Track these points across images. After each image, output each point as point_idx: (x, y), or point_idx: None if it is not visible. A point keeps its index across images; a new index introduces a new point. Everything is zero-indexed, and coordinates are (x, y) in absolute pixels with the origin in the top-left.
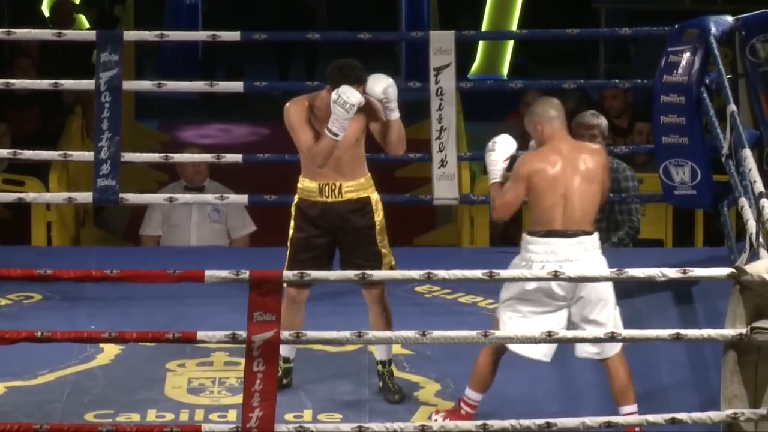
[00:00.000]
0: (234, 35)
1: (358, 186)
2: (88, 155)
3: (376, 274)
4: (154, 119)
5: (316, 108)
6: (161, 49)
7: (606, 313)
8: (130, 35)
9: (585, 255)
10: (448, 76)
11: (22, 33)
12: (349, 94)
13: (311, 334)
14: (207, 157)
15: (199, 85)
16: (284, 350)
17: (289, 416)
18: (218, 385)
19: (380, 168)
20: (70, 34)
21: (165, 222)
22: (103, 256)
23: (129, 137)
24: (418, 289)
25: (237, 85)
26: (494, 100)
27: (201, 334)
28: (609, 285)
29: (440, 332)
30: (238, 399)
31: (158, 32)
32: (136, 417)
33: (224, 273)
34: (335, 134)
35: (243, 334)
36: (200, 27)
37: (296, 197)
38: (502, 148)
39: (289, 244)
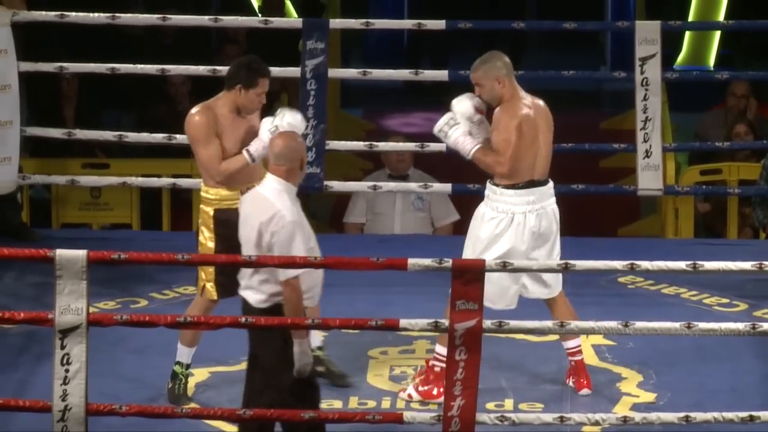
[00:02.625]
0: (439, 24)
1: None
2: None
3: (579, 264)
4: (358, 107)
5: (220, 116)
6: (367, 37)
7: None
8: (336, 23)
9: (551, 200)
10: (653, 66)
11: (229, 20)
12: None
13: (513, 323)
14: (411, 145)
15: (404, 74)
16: (184, 356)
17: (490, 405)
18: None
19: (585, 158)
20: (276, 21)
21: (369, 210)
22: None
23: (334, 125)
24: (621, 279)
25: (442, 74)
26: (700, 91)
27: (404, 322)
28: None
29: (643, 323)
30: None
31: (364, 20)
32: (338, 404)
33: (427, 261)
34: (254, 159)
35: (445, 322)
36: (406, 15)
37: (209, 209)
38: (462, 117)
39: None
